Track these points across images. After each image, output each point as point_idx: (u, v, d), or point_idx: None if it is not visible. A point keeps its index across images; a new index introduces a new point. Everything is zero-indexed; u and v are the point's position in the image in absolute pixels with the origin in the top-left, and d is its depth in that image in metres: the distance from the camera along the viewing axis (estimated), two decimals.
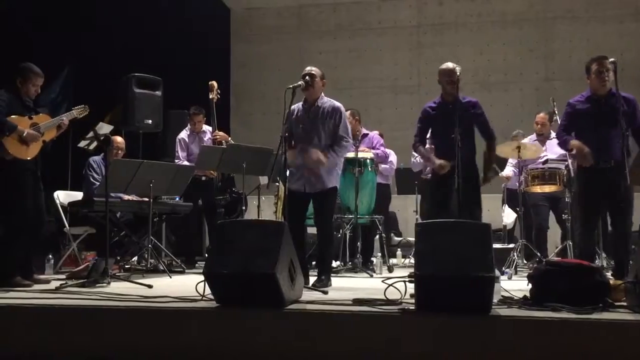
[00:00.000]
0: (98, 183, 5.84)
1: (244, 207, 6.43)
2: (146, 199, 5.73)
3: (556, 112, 5.78)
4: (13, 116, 4.61)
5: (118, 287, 4.36)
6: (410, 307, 3.21)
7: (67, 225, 6.17)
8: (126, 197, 5.87)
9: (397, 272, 5.76)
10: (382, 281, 3.59)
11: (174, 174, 5.81)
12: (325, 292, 4.08)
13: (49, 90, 8.34)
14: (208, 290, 3.41)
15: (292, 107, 4.67)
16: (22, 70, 4.75)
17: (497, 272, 3.27)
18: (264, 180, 7.08)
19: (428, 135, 5.16)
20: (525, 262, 6.28)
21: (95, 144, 5.80)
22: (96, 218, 5.67)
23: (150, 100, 7.05)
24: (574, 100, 4.79)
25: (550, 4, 9.95)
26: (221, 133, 6.73)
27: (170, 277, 5.31)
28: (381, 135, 7.20)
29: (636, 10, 9.68)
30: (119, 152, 6.09)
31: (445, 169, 4.75)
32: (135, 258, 6.30)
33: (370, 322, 3.14)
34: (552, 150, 6.47)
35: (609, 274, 4.38)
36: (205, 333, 3.24)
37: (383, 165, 6.85)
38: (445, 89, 4.94)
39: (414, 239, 3.41)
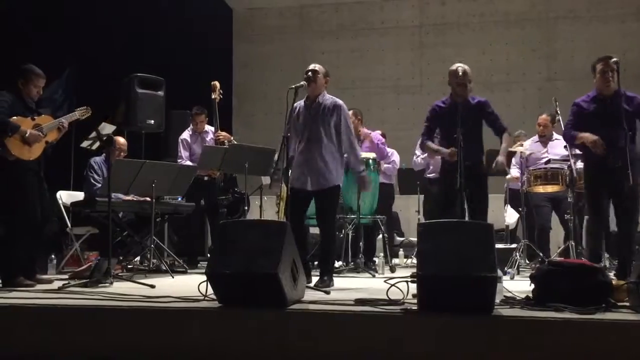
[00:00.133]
0: (98, 184, 5.85)
1: (246, 207, 6.43)
2: (147, 199, 5.74)
3: (558, 112, 5.77)
4: (15, 117, 4.62)
5: (120, 287, 4.37)
6: (413, 307, 3.21)
7: (69, 225, 6.18)
8: (125, 197, 5.86)
9: (400, 272, 5.75)
10: (385, 281, 3.59)
11: (176, 174, 5.82)
12: (328, 292, 4.08)
13: (50, 91, 8.34)
14: (210, 290, 3.41)
15: (294, 104, 4.68)
16: (24, 71, 4.75)
17: (499, 272, 3.27)
18: (266, 180, 7.09)
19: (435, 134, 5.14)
20: (527, 262, 6.27)
21: (97, 144, 5.82)
22: (99, 218, 5.67)
23: (152, 101, 7.05)
24: (579, 100, 4.80)
25: (553, 3, 9.94)
26: (224, 133, 6.74)
27: (173, 277, 5.31)
28: (384, 135, 7.20)
29: (638, 10, 9.67)
30: (121, 153, 6.10)
31: (456, 157, 4.69)
32: (138, 258, 6.31)
33: (372, 322, 3.14)
34: (554, 151, 6.47)
35: (611, 274, 4.38)
36: (208, 333, 3.24)
37: (386, 165, 6.85)
38: (455, 91, 4.86)
39: (416, 239, 3.41)
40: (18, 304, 3.56)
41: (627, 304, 3.30)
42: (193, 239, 7.07)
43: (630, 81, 4.96)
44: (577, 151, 5.26)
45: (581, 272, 3.36)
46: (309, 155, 4.67)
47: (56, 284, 4.50)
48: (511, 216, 6.94)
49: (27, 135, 4.59)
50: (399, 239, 8.13)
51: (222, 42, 10.47)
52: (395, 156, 7.41)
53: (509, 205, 6.93)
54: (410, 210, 8.28)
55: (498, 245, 4.10)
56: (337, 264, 5.99)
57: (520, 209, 6.38)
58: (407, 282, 3.41)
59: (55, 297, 3.83)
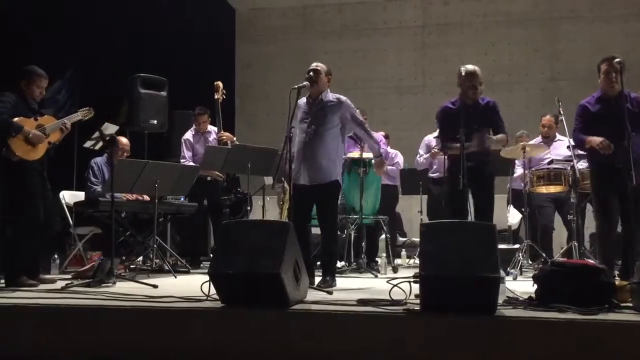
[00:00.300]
0: (95, 186, 5.85)
1: (249, 208, 6.43)
2: (147, 198, 5.75)
3: (561, 112, 5.77)
4: (18, 118, 4.62)
5: (123, 287, 4.37)
6: (415, 308, 3.20)
7: (72, 225, 6.19)
8: (124, 196, 5.87)
9: (402, 273, 5.75)
10: (387, 281, 3.58)
11: (179, 174, 5.83)
12: (330, 293, 4.08)
13: (53, 92, 8.36)
14: (213, 290, 3.42)
15: (298, 101, 4.69)
16: (26, 72, 4.77)
17: (502, 273, 3.26)
18: (268, 180, 7.09)
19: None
20: (530, 262, 6.26)
21: (100, 144, 5.83)
22: (101, 218, 5.68)
23: (155, 101, 7.07)
24: (584, 101, 4.79)
25: (555, 4, 9.93)
26: (227, 134, 6.75)
27: (175, 277, 5.32)
28: (387, 136, 7.20)
29: None
30: (124, 153, 6.11)
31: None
32: (141, 258, 6.32)
33: (375, 323, 3.14)
34: (557, 151, 6.46)
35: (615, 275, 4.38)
36: (210, 333, 3.25)
37: (390, 167, 6.88)
38: (465, 93, 4.76)
39: (418, 239, 3.41)
40: (21, 304, 3.56)
41: (630, 304, 3.29)
42: (196, 239, 7.08)
43: (633, 81, 4.94)
44: (580, 151, 5.25)
45: (584, 273, 3.35)
46: (309, 151, 4.68)
47: (59, 284, 4.51)
48: (514, 216, 6.93)
49: (30, 135, 4.60)
50: (401, 239, 8.13)
51: (225, 42, 10.48)
52: (399, 158, 7.41)
53: (511, 206, 6.92)
54: (412, 210, 8.28)
55: (501, 246, 4.10)
56: (340, 264, 5.99)
57: (523, 210, 6.37)
58: (409, 282, 3.41)
59: (58, 297, 3.84)
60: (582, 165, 5.63)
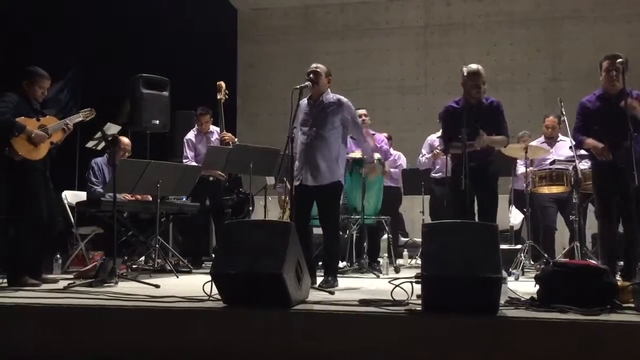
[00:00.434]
0: (96, 187, 5.86)
1: (250, 208, 6.44)
2: (150, 198, 5.76)
3: (564, 112, 5.76)
4: (21, 118, 4.63)
5: (125, 286, 4.38)
6: (417, 308, 3.20)
7: (74, 225, 6.20)
8: (123, 196, 5.88)
9: (404, 273, 5.75)
10: (389, 282, 3.59)
11: (181, 174, 5.83)
12: (332, 293, 4.08)
13: (55, 92, 8.37)
14: (215, 290, 3.42)
15: (300, 102, 4.69)
16: (28, 72, 4.78)
17: (504, 273, 3.26)
18: (270, 180, 7.09)
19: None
20: (532, 263, 6.26)
21: (103, 144, 5.84)
22: (103, 218, 5.69)
23: (157, 101, 7.07)
24: (585, 99, 4.79)
25: (557, 3, 9.91)
26: (229, 134, 6.75)
27: (177, 277, 5.33)
28: (390, 137, 7.21)
29: None
30: (126, 153, 6.11)
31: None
32: (143, 258, 6.33)
33: (376, 323, 3.14)
34: (559, 152, 6.46)
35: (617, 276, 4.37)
36: (212, 333, 3.25)
37: (393, 169, 6.90)
38: (469, 93, 4.76)
39: (420, 239, 3.41)
40: (24, 304, 3.57)
41: (633, 305, 3.29)
42: (197, 239, 7.09)
43: (636, 82, 4.93)
44: (583, 151, 5.25)
45: (586, 273, 3.35)
46: (310, 151, 4.69)
47: (61, 284, 4.52)
48: (516, 217, 6.93)
49: (33, 135, 4.60)
50: (403, 239, 8.13)
51: (227, 42, 10.49)
52: (402, 160, 7.42)
53: (513, 206, 6.92)
54: (414, 210, 8.28)
55: (503, 246, 4.07)
56: (342, 264, 5.99)
57: (525, 210, 6.37)
58: (411, 282, 3.41)
59: (60, 296, 3.84)
60: (584, 165, 5.63)
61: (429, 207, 7.34)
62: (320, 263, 5.29)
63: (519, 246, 6.23)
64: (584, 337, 2.91)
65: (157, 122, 7.08)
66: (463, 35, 10.14)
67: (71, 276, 5.12)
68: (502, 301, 3.23)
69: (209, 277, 3.44)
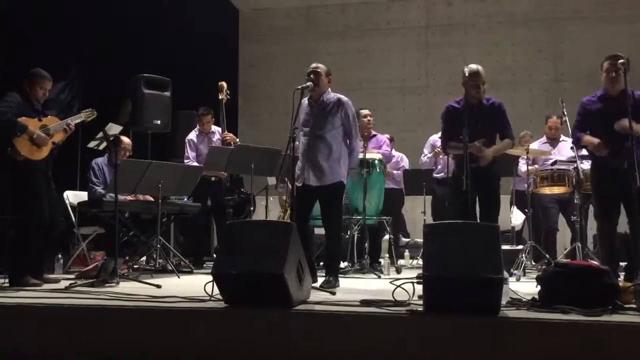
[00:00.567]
0: (97, 187, 5.86)
1: (252, 208, 6.44)
2: (149, 197, 5.76)
3: (565, 113, 5.76)
4: (23, 118, 4.64)
5: (127, 287, 4.38)
6: (418, 309, 3.20)
7: (76, 225, 6.20)
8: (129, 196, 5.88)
9: (405, 273, 5.75)
10: (390, 282, 3.58)
11: (182, 175, 5.84)
12: (333, 293, 4.08)
13: (56, 92, 8.37)
14: (216, 291, 3.42)
15: (301, 102, 4.69)
16: (30, 74, 4.79)
17: (505, 274, 3.26)
18: (271, 180, 7.10)
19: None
20: (533, 263, 6.25)
21: (104, 144, 5.84)
22: (105, 218, 5.69)
23: (159, 101, 7.07)
24: (586, 99, 4.79)
25: (559, 4, 9.90)
26: (230, 134, 6.76)
27: (179, 277, 5.33)
28: (392, 139, 7.21)
29: None
30: (126, 153, 6.12)
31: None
32: (144, 258, 6.33)
33: (378, 323, 3.14)
34: (561, 152, 6.45)
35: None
36: (214, 333, 3.25)
37: (396, 172, 6.91)
38: (469, 93, 4.76)
39: (421, 240, 3.41)
40: (25, 304, 3.57)
41: (634, 306, 3.28)
42: (199, 239, 7.09)
43: (637, 82, 4.93)
44: (584, 152, 5.25)
45: (588, 274, 3.34)
46: (312, 151, 4.69)
47: (63, 284, 4.52)
48: (517, 217, 6.92)
49: (34, 136, 4.61)
50: (404, 239, 8.12)
51: (228, 42, 10.49)
52: (404, 162, 7.43)
53: (515, 207, 6.91)
54: (416, 211, 8.27)
55: (504, 247, 4.08)
56: (343, 264, 5.99)
57: (526, 210, 6.36)
58: (412, 283, 3.41)
59: (61, 296, 3.85)
60: (585, 165, 5.62)
61: (431, 207, 7.33)
62: (321, 263, 5.29)
63: (520, 247, 6.22)
64: (586, 338, 2.91)
65: (159, 122, 7.08)
66: (464, 36, 10.14)
67: (72, 276, 5.12)
68: (503, 302, 3.23)
69: (210, 277, 3.44)
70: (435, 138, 7.09)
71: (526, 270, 5.78)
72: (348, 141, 4.82)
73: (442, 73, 9.84)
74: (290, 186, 4.82)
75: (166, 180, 5.60)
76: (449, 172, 6.33)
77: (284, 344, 3.16)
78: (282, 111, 8.39)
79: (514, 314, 3.15)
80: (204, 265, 6.66)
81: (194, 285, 4.20)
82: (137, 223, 6.04)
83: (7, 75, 4.88)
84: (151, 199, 5.94)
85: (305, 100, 4.80)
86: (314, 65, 4.78)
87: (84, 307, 3.50)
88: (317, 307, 3.40)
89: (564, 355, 2.91)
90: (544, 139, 6.81)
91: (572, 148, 5.60)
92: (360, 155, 5.77)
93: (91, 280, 4.51)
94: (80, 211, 6.06)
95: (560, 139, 6.70)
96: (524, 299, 3.45)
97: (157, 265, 5.79)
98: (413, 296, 3.38)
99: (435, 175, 7.14)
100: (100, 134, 5.60)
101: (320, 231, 5.33)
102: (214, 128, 6.91)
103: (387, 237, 6.27)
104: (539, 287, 3.47)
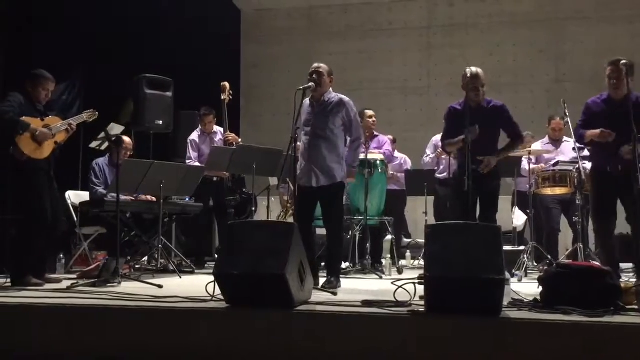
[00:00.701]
0: (98, 187, 5.87)
1: (253, 208, 6.45)
2: (153, 198, 5.76)
3: (567, 114, 5.75)
4: (25, 117, 4.64)
5: (128, 287, 4.39)
6: (420, 309, 3.20)
7: (78, 225, 6.21)
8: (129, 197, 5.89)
9: (407, 274, 5.75)
10: (392, 283, 3.58)
11: (184, 175, 5.84)
12: (335, 294, 4.08)
13: (57, 93, 8.37)
14: (218, 291, 3.42)
15: (303, 102, 4.70)
16: (33, 75, 4.80)
17: (507, 275, 3.26)
18: (273, 181, 7.10)
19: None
20: (535, 264, 6.25)
21: (106, 144, 5.84)
22: (107, 218, 5.70)
23: (161, 101, 7.08)
24: (591, 100, 4.81)
25: (561, 4, 9.89)
26: (232, 135, 6.76)
27: (180, 278, 5.33)
28: (394, 140, 7.21)
29: None
30: (127, 152, 6.12)
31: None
32: (146, 258, 6.33)
33: (379, 324, 3.14)
34: (564, 153, 6.45)
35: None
36: (215, 333, 3.25)
37: (400, 174, 6.92)
38: (469, 95, 4.78)
39: (423, 240, 3.41)
40: (27, 304, 3.58)
41: (636, 307, 3.28)
42: (201, 239, 7.10)
43: (638, 83, 4.92)
44: (587, 153, 5.25)
45: (589, 275, 3.34)
46: (313, 152, 4.69)
47: (65, 284, 4.53)
48: (519, 218, 6.91)
49: (37, 133, 4.61)
50: (406, 240, 8.12)
51: (231, 43, 10.49)
52: (408, 164, 7.43)
53: (516, 207, 6.91)
54: (417, 211, 8.26)
55: (506, 247, 4.08)
56: (344, 265, 5.99)
57: (528, 211, 6.36)
58: (414, 283, 3.41)
59: (63, 296, 3.86)
60: (588, 165, 5.62)
61: (434, 208, 7.32)
62: (323, 264, 5.29)
63: (522, 247, 6.21)
64: (587, 339, 2.91)
65: (161, 122, 7.08)
66: (466, 36, 10.13)
67: (74, 276, 5.12)
68: (505, 302, 3.23)
69: (212, 278, 3.44)
70: (438, 138, 7.07)
71: (528, 271, 5.78)
72: (349, 141, 4.82)
73: (443, 73, 9.84)
74: (292, 187, 4.82)
75: (168, 180, 5.60)
76: (451, 172, 6.34)
77: (286, 345, 3.16)
78: (284, 111, 8.39)
79: (515, 315, 3.15)
80: (206, 265, 6.66)
81: (196, 286, 4.21)
82: (139, 223, 6.05)
83: (8, 75, 4.87)
84: (153, 199, 5.95)
85: (307, 101, 4.81)
86: (316, 65, 4.79)
87: (85, 307, 3.51)
88: (319, 308, 3.40)
89: (566, 357, 2.91)
90: (546, 139, 6.80)
91: (574, 149, 5.60)
92: (362, 156, 5.79)
93: (93, 280, 4.51)
94: (82, 211, 6.07)
95: (563, 140, 6.70)
96: (525, 300, 3.45)
97: (159, 266, 5.79)
98: (414, 297, 3.38)
99: (437, 175, 7.14)
100: (102, 134, 5.60)
101: (322, 232, 5.33)
102: (216, 128, 6.92)
103: (388, 237, 6.26)
104: (540, 288, 3.47)
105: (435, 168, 7.15)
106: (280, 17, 10.75)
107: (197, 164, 6.56)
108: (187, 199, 6.38)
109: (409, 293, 3.39)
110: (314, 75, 4.70)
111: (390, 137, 7.03)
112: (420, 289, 3.26)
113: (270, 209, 6.31)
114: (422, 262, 6.24)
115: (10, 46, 7.93)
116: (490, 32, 10.08)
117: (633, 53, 8.46)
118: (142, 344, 3.28)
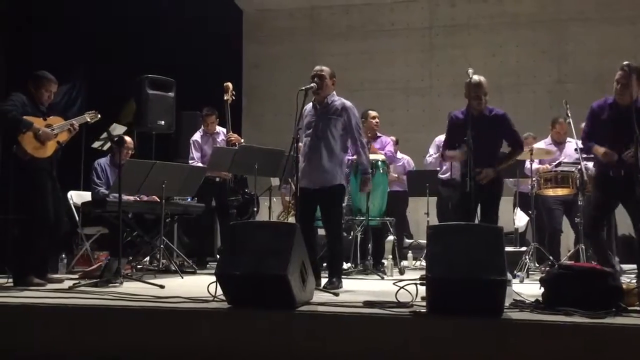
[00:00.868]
0: (99, 187, 5.88)
1: (255, 209, 6.45)
2: (156, 198, 5.77)
3: (569, 114, 5.75)
4: (27, 117, 4.65)
5: (130, 287, 4.39)
6: (422, 310, 3.20)
7: (80, 225, 6.22)
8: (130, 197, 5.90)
9: (409, 275, 5.74)
10: (393, 283, 3.58)
11: (186, 175, 5.85)
12: (336, 294, 4.08)
13: (59, 94, 8.38)
14: (220, 291, 3.43)
15: (305, 105, 4.70)
16: (35, 76, 4.81)
17: (509, 276, 3.26)
18: (275, 181, 7.10)
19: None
20: (537, 265, 6.24)
21: (108, 144, 5.85)
22: (109, 218, 5.71)
23: (163, 102, 7.08)
24: (596, 104, 4.78)
25: (563, 5, 9.88)
26: (235, 135, 6.76)
27: (182, 278, 5.33)
28: (397, 142, 7.21)
29: None
30: (129, 152, 6.12)
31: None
32: (148, 258, 6.34)
33: (381, 325, 3.14)
34: (567, 154, 6.44)
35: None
36: (217, 333, 3.26)
37: (403, 176, 6.91)
38: (471, 104, 4.75)
39: (425, 241, 3.41)
40: (29, 303, 3.59)
41: (638, 308, 3.28)
42: (202, 239, 7.09)
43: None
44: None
45: (591, 276, 3.34)
46: (313, 154, 4.70)
47: (66, 284, 4.54)
48: (521, 219, 6.91)
49: (40, 132, 4.62)
50: (408, 241, 8.12)
51: (232, 43, 10.49)
52: (411, 166, 7.42)
53: (518, 208, 6.90)
54: (419, 212, 8.26)
55: (508, 248, 4.10)
56: (346, 265, 5.98)
57: (529, 212, 6.35)
58: (416, 284, 3.41)
59: (65, 296, 3.86)
60: (591, 165, 5.62)
61: (436, 208, 7.31)
62: (324, 264, 5.29)
63: (523, 248, 6.21)
64: (589, 340, 2.91)
65: (163, 122, 7.09)
66: (468, 37, 10.12)
67: (76, 276, 5.13)
68: (506, 303, 3.23)
69: (213, 278, 3.45)
70: (441, 138, 7.05)
71: (529, 272, 5.77)
72: (350, 146, 4.83)
73: (445, 74, 9.83)
74: (293, 187, 4.82)
75: (170, 180, 5.60)
76: (453, 173, 6.35)
77: (287, 345, 3.16)
78: (285, 112, 8.38)
79: (517, 316, 3.14)
80: (208, 265, 6.66)
81: (198, 286, 4.21)
82: (141, 223, 6.05)
83: (8, 75, 4.88)
84: (157, 199, 5.95)
85: (309, 105, 4.81)
86: (317, 68, 4.78)
87: (87, 307, 3.51)
88: (320, 308, 3.40)
89: (567, 358, 2.91)
90: (548, 140, 6.79)
91: (576, 149, 5.59)
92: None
93: (95, 280, 4.52)
94: (84, 211, 6.07)
95: (566, 141, 6.69)
96: (527, 301, 3.44)
97: (161, 266, 5.80)
98: (416, 297, 3.38)
99: (440, 176, 7.13)
100: (105, 135, 5.61)
101: (323, 232, 5.33)
102: (219, 128, 6.92)
103: (390, 238, 6.26)
104: (542, 289, 3.47)
105: (438, 168, 7.14)
106: (282, 18, 10.75)
107: (199, 164, 6.56)
108: (189, 200, 6.38)
109: (410, 294, 3.39)
110: (316, 79, 4.71)
111: (394, 138, 7.02)
112: (422, 290, 3.27)
113: (271, 209, 6.31)
114: (423, 263, 6.23)
115: (11, 46, 7.94)
116: (492, 33, 10.07)
117: (635, 53, 8.49)
118: (143, 344, 3.28)
